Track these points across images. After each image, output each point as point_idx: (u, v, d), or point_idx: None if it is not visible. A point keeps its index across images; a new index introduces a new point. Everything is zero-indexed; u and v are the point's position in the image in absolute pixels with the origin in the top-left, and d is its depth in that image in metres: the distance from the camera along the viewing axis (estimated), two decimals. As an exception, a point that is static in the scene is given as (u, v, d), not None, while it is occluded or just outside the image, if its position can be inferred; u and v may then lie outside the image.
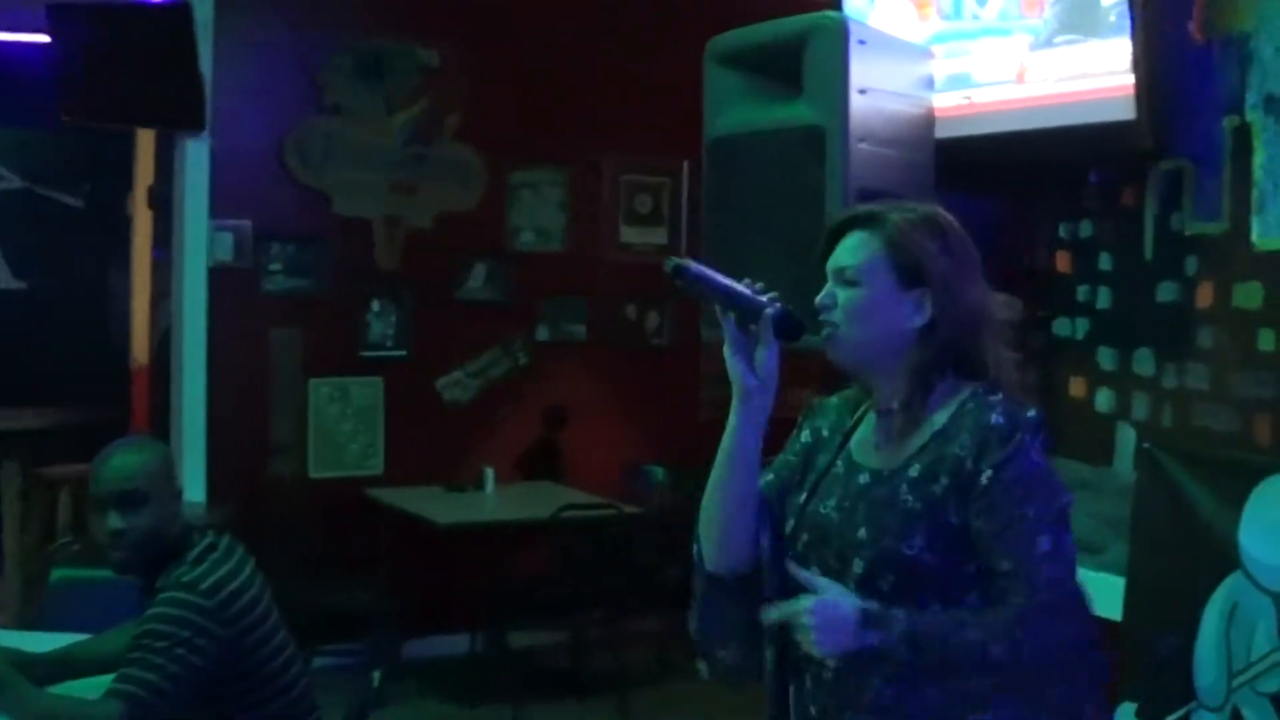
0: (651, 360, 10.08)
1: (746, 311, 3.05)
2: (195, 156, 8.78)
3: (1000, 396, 3.01)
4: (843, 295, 3.08)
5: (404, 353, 9.38)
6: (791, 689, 3.23)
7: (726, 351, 3.08)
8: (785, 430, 3.38)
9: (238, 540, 4.53)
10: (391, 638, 8.66)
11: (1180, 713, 4.44)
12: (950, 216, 3.19)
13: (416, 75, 9.25)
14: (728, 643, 3.38)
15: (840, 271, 3.10)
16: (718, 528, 3.24)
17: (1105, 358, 4.93)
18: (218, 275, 8.82)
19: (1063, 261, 5.09)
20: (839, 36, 4.70)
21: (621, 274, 9.93)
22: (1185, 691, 4.42)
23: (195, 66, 8.46)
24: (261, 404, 9.01)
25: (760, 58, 5.02)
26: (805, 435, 3.34)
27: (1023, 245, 5.21)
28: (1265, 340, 4.37)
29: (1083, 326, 5.03)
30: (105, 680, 4.21)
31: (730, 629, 3.36)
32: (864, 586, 2.96)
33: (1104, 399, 4.93)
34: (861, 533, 3.02)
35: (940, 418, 3.03)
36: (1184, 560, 4.47)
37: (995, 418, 2.95)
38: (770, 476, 3.30)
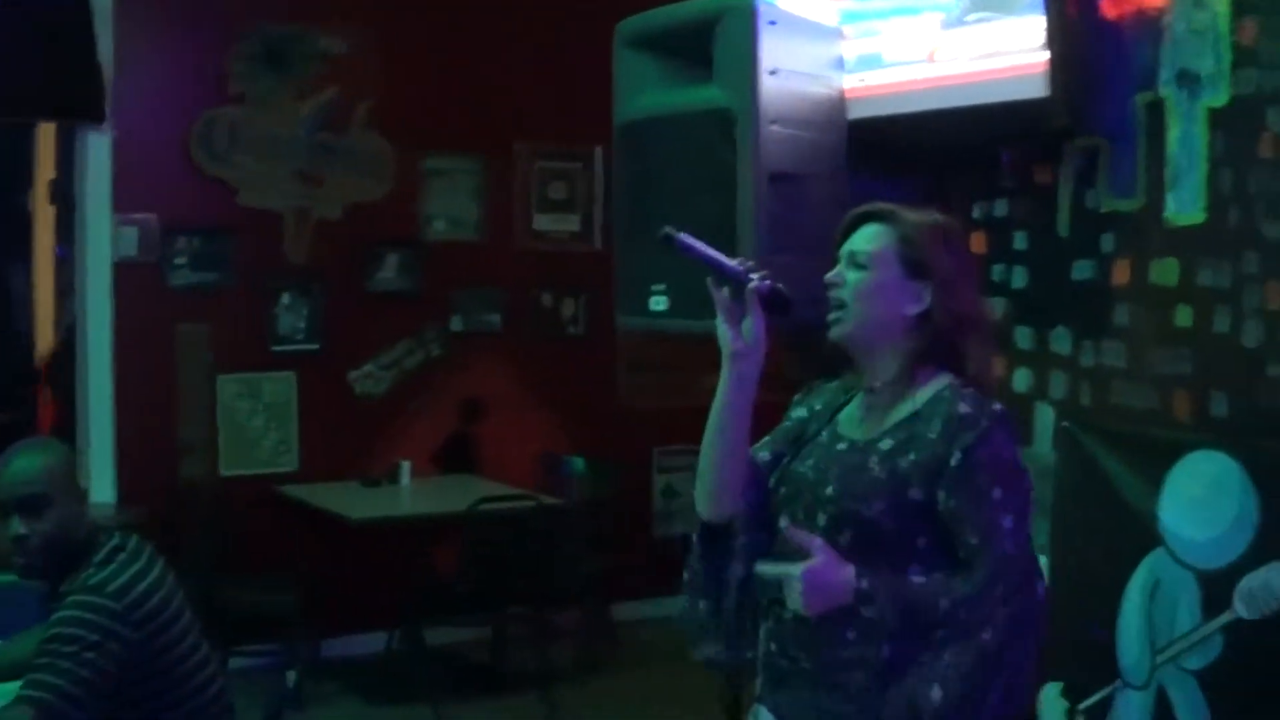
0: (568, 349, 10.05)
1: (735, 280, 3.34)
2: (96, 149, 8.72)
3: (972, 391, 3.30)
4: (852, 276, 3.38)
5: (315, 346, 9.32)
6: (762, 627, 3.45)
7: (718, 320, 3.37)
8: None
9: (146, 541, 4.50)
10: (308, 637, 8.66)
11: (1104, 692, 4.48)
12: (957, 226, 3.60)
13: (324, 62, 9.18)
14: (714, 593, 3.65)
15: (853, 255, 3.40)
16: (711, 477, 3.56)
17: (1022, 337, 4.97)
18: (122, 271, 8.75)
19: (977, 242, 5.11)
20: (749, 18, 4.68)
21: (536, 262, 9.91)
22: (1109, 670, 4.46)
23: (94, 56, 8.41)
24: (170, 401, 8.92)
25: (670, 40, 5.02)
26: (801, 411, 3.63)
27: (939, 225, 5.23)
28: (1182, 316, 4.40)
29: (999, 306, 5.05)
30: (13, 687, 4.18)
31: (718, 576, 3.64)
32: (824, 537, 3.23)
33: (1021, 378, 4.96)
34: (829, 490, 3.31)
35: (919, 400, 3.33)
36: (1106, 538, 4.52)
37: (963, 407, 3.23)
38: (766, 439, 3.61)
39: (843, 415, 3.50)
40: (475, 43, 9.49)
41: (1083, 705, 4.55)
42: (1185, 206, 4.40)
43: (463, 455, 9.64)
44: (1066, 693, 4.59)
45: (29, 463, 4.32)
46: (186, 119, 8.88)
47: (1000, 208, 5.04)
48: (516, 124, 9.71)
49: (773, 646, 3.40)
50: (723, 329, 3.38)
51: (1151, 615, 4.34)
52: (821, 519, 3.30)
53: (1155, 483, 4.34)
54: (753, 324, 3.35)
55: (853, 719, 3.23)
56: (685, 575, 3.79)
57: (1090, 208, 4.71)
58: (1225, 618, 4.11)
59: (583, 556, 9.11)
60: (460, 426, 9.69)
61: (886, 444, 3.30)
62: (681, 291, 4.79)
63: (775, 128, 4.70)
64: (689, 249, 3.39)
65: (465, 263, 9.70)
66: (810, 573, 3.17)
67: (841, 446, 3.41)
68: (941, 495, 3.19)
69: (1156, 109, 4.47)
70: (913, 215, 3.45)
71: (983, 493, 3.17)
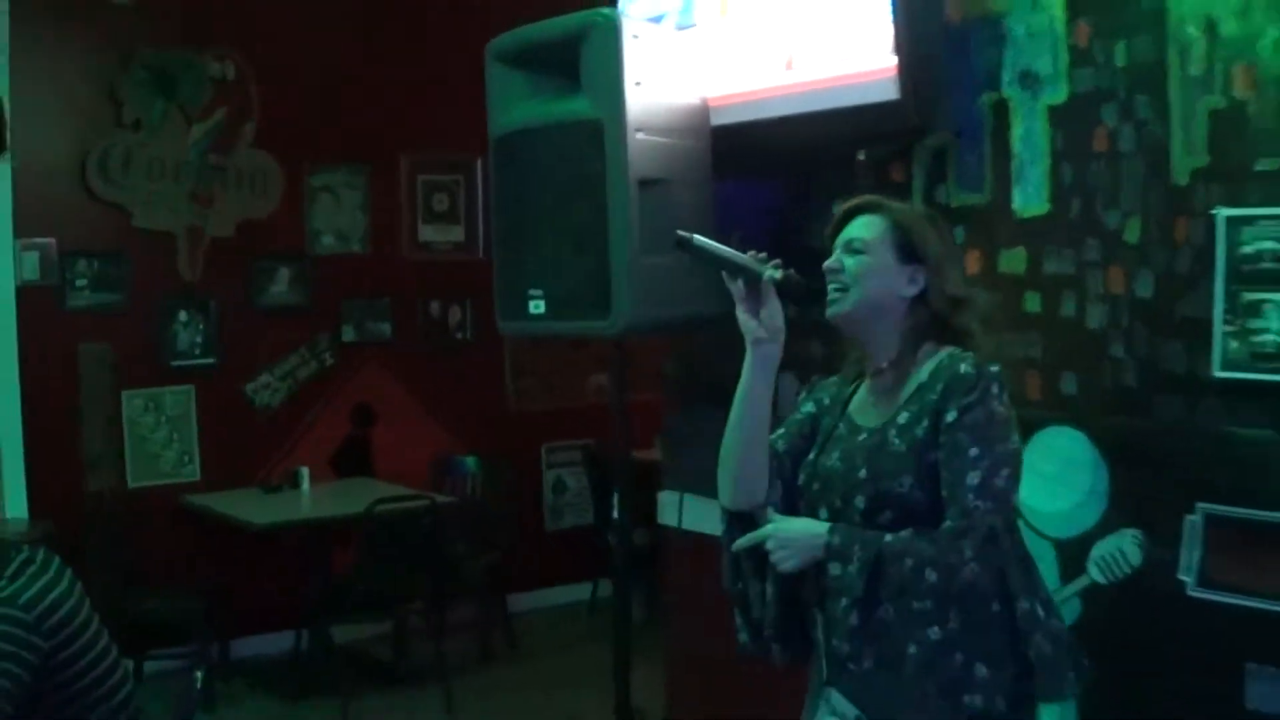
0: (455, 355, 10.06)
1: (750, 274, 3.43)
2: (-4, 178, 8.63)
3: (972, 355, 3.37)
4: (850, 261, 3.45)
5: (212, 360, 9.27)
6: (818, 622, 3.44)
7: (738, 310, 3.45)
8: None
9: (54, 553, 4.45)
10: (217, 639, 8.59)
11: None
12: (939, 216, 3.71)
13: (211, 87, 9.14)
14: (747, 578, 3.62)
15: (850, 242, 3.48)
16: (735, 464, 3.55)
17: (883, 327, 4.95)
18: (24, 294, 8.65)
19: (838, 236, 5.10)
20: (613, 32, 4.68)
21: (422, 272, 9.91)
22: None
23: (-7, 92, 8.33)
24: (75, 418, 8.84)
25: (539, 56, 5.00)
26: (809, 406, 3.68)
27: (800, 224, 5.21)
28: (1031, 303, 4.42)
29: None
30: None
31: (747, 564, 3.61)
32: (867, 520, 3.32)
33: (885, 366, 4.95)
34: (861, 473, 3.36)
35: (923, 373, 3.39)
36: (967, 514, 4.51)
37: (965, 368, 3.30)
38: (781, 430, 3.63)
39: (853, 406, 3.57)
40: (357, 63, 9.47)
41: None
42: (1030, 199, 4.41)
43: (359, 460, 9.62)
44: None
45: None
46: (83, 146, 8.82)
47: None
48: (398, 139, 9.72)
49: (834, 641, 3.37)
50: (744, 318, 3.45)
51: (1013, 584, 4.35)
52: (860, 502, 3.35)
53: (1012, 459, 4.35)
54: (771, 312, 3.43)
55: (915, 693, 3.23)
56: (725, 575, 3.73)
57: (942, 202, 4.71)
58: (1081, 582, 4.14)
59: (477, 552, 9.11)
60: (355, 432, 9.67)
61: (903, 418, 3.35)
62: (557, 296, 4.79)
63: (641, 136, 4.69)
64: (704, 251, 3.48)
65: (353, 274, 9.69)
66: (779, 534, 3.30)
67: (862, 436, 3.44)
68: (938, 452, 3.25)
69: (1001, 108, 4.48)
70: (901, 205, 3.59)
71: (961, 448, 3.22)
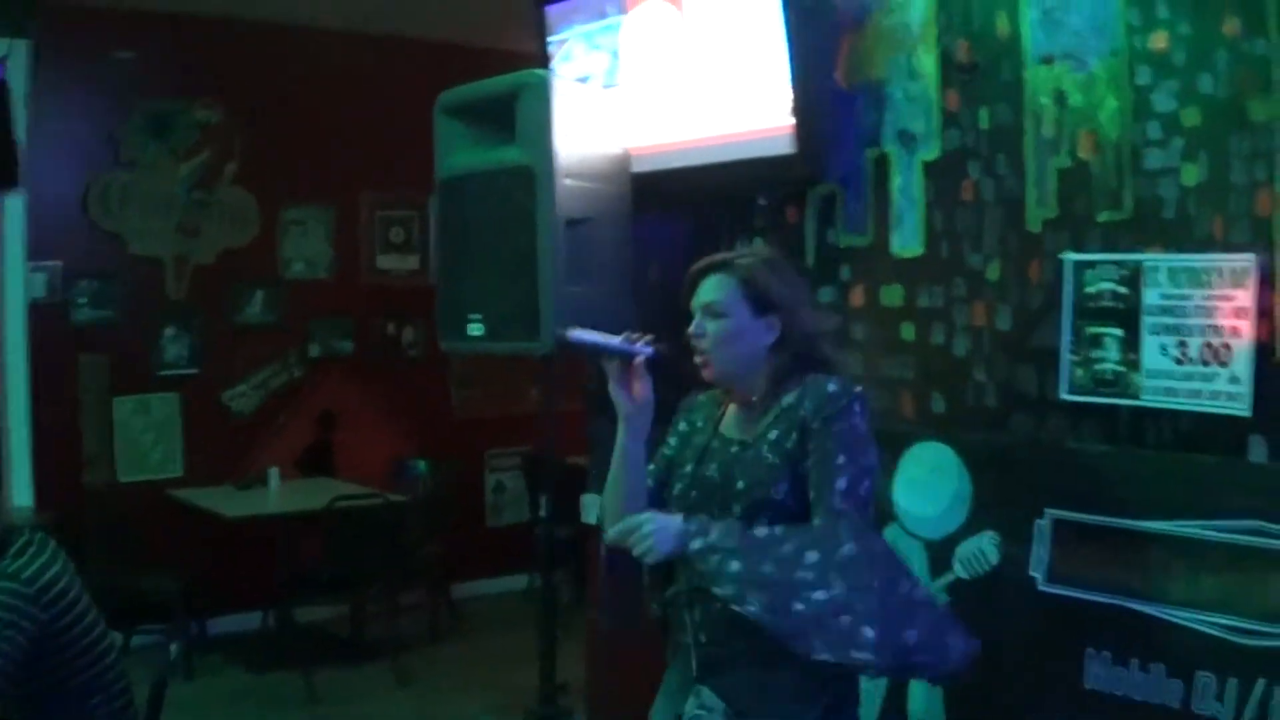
0: (409, 369, 9.99)
1: (625, 356, 3.36)
2: (12, 209, 8.53)
3: (838, 375, 3.31)
4: (711, 326, 3.35)
5: (195, 370, 9.19)
6: (684, 619, 3.37)
7: (611, 388, 3.38)
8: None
9: (50, 537, 4.43)
10: (194, 617, 8.53)
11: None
12: (781, 256, 3.57)
13: (198, 131, 9.08)
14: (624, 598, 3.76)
15: (708, 306, 3.37)
16: (615, 510, 3.41)
17: (779, 350, 4.94)
18: (34, 310, 8.57)
19: (741, 272, 5.09)
20: (544, 90, 4.67)
21: (380, 296, 9.87)
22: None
23: (10, 131, 8.23)
24: (75, 420, 8.78)
25: (480, 109, 4.98)
26: (682, 425, 3.59)
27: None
28: (906, 332, 4.42)
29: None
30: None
31: (627, 590, 3.64)
32: (744, 524, 3.20)
33: (779, 385, 4.94)
34: (739, 484, 3.28)
35: (789, 398, 3.29)
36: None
37: (831, 386, 3.24)
38: (652, 467, 3.53)
39: (724, 424, 3.46)
40: (324, 112, 9.43)
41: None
42: (907, 241, 4.41)
43: (322, 461, 9.56)
44: (821, 645, 4.57)
45: None
46: (85, 181, 8.79)
47: (758, 243, 5.02)
48: (360, 179, 9.68)
49: (702, 637, 3.33)
50: (616, 394, 3.38)
51: (888, 578, 4.35)
52: (737, 509, 3.26)
53: (889, 469, 4.34)
54: (642, 387, 3.37)
55: (792, 687, 3.20)
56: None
57: (831, 243, 4.71)
58: (947, 578, 4.13)
59: (426, 544, 9.06)
60: (319, 436, 9.61)
61: (773, 434, 3.27)
62: (493, 319, 4.77)
63: (569, 181, 4.68)
64: (583, 343, 3.45)
65: (320, 297, 9.64)
66: (655, 519, 3.13)
67: (735, 449, 3.36)
68: (807, 461, 3.19)
69: (882, 162, 4.48)
70: (746, 260, 3.44)
71: (828, 455, 3.15)
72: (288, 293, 9.54)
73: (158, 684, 4.56)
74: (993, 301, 4.14)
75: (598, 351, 3.42)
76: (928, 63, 4.30)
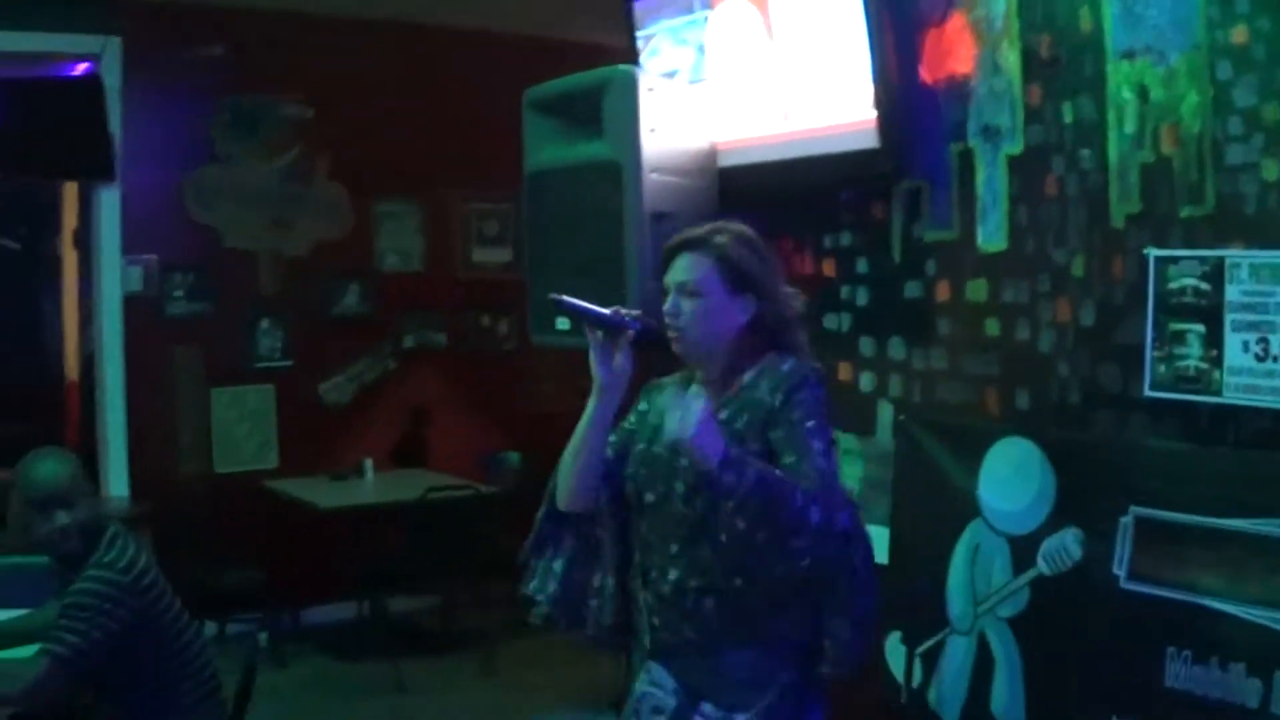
0: (502, 362, 10.02)
1: (613, 328, 3.40)
2: (108, 203, 8.70)
3: (792, 357, 3.39)
4: (687, 304, 3.39)
5: (290, 363, 9.28)
6: (639, 602, 3.49)
7: (591, 357, 3.43)
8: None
9: (133, 531, 4.57)
10: (287, 607, 8.65)
11: (937, 638, 4.50)
12: (754, 233, 3.52)
13: (291, 127, 9.18)
14: (545, 559, 3.79)
15: (683, 285, 3.41)
16: (571, 477, 3.55)
17: (866, 346, 4.97)
18: (130, 303, 8.73)
19: (828, 267, 5.12)
20: (631, 86, 4.74)
21: (474, 288, 9.91)
22: (940, 620, 4.49)
23: (106, 127, 8.41)
24: (171, 411, 8.90)
25: (567, 104, 5.06)
26: (643, 404, 3.65)
27: (795, 254, 5.24)
28: (990, 327, 4.44)
29: (847, 320, 5.07)
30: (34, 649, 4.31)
31: (554, 550, 3.77)
32: (686, 503, 3.32)
33: (866, 380, 4.97)
34: (684, 461, 3.28)
35: (747, 377, 3.38)
36: (935, 512, 4.52)
37: (787, 366, 3.34)
38: (613, 438, 3.60)
39: None
40: (417, 105, 9.50)
41: (919, 649, 4.56)
42: (991, 236, 4.43)
43: (415, 453, 9.62)
44: (905, 639, 4.60)
45: (59, 467, 4.44)
46: (180, 176, 8.89)
47: (845, 238, 5.05)
48: (452, 173, 9.70)
49: (655, 621, 3.40)
50: (595, 364, 3.43)
51: (973, 573, 4.36)
52: (680, 487, 3.33)
53: (973, 465, 4.35)
54: (622, 360, 3.41)
55: (747, 670, 3.28)
56: (525, 549, 3.89)
57: (917, 238, 4.73)
58: (1030, 574, 4.13)
59: (516, 536, 9.10)
60: (412, 428, 9.68)
61: (723, 414, 3.32)
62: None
63: (655, 176, 4.74)
64: (574, 309, 3.45)
65: (413, 290, 9.70)
66: (705, 413, 3.11)
67: None
68: (771, 433, 3.26)
69: (966, 156, 4.50)
70: (722, 238, 3.45)
71: (798, 423, 3.23)
72: (380, 285, 9.61)
73: (247, 671, 4.70)
74: (1077, 297, 4.14)
75: (586, 319, 3.44)
76: (1010, 57, 4.31)
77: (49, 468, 4.41)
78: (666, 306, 3.44)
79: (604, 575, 3.68)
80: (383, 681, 7.81)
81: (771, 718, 3.26)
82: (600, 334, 3.42)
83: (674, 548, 3.38)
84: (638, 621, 3.54)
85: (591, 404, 3.48)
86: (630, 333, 3.41)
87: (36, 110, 8.22)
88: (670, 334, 3.43)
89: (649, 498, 3.44)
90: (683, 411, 3.10)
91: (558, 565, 3.75)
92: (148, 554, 4.49)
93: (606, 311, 3.43)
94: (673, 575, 3.36)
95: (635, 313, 3.46)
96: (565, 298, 3.43)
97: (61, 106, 8.34)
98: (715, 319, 3.39)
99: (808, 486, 3.16)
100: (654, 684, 3.40)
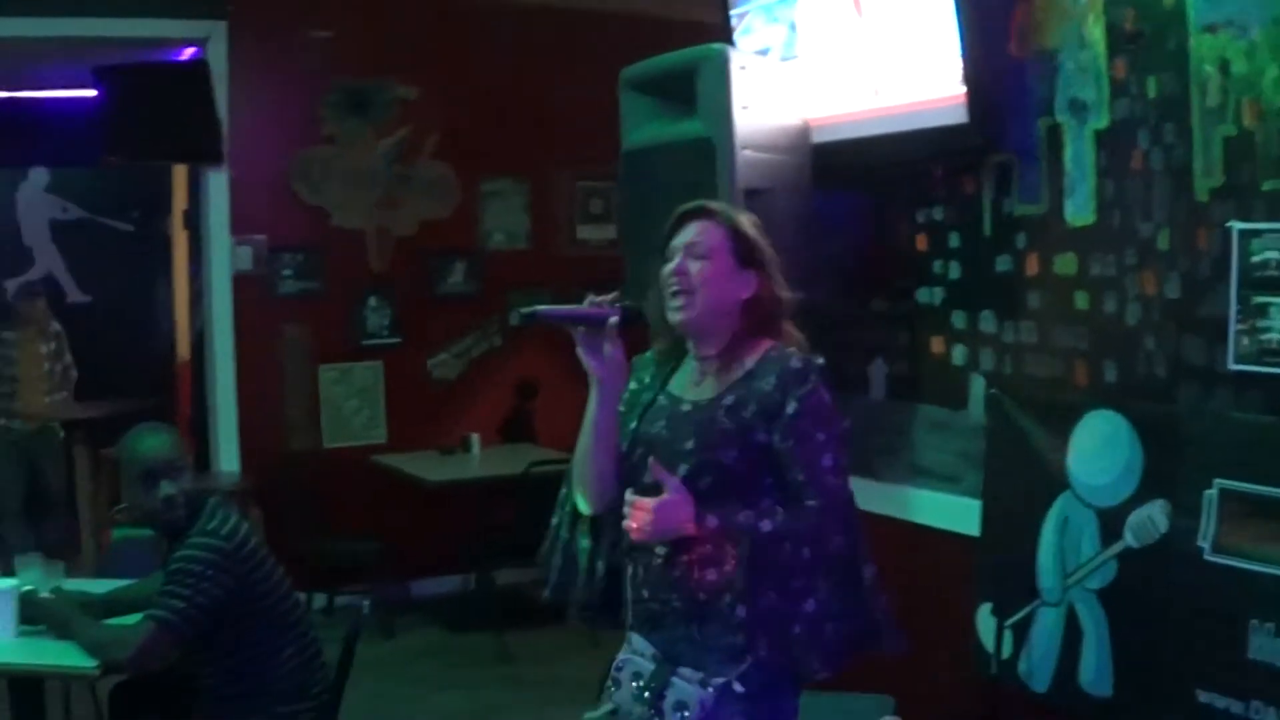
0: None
1: (595, 323, 3.32)
2: (217, 185, 8.87)
3: (794, 349, 3.30)
4: (694, 266, 3.31)
5: (397, 340, 9.40)
6: (627, 574, 3.37)
7: (580, 353, 3.35)
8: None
9: (232, 502, 4.71)
10: (396, 579, 8.78)
11: (1027, 609, 4.52)
12: (758, 221, 3.49)
13: (397, 107, 9.27)
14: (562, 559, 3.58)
15: (693, 246, 3.33)
16: (593, 478, 3.41)
17: (958, 319, 4.99)
18: (240, 282, 8.90)
19: (921, 241, 5.14)
20: (723, 64, 4.78)
21: (579, 265, 9.91)
22: (1030, 591, 4.51)
23: (214, 111, 8.56)
24: (280, 388, 9.07)
25: (662, 83, 5.10)
26: (632, 383, 3.51)
27: (888, 229, 5.28)
28: (1080, 300, 4.44)
29: (939, 294, 5.09)
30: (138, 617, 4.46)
31: (569, 550, 3.57)
32: (688, 485, 3.16)
33: (958, 353, 4.99)
34: (689, 444, 3.25)
35: (749, 363, 3.30)
36: (1025, 484, 4.55)
37: (794, 362, 3.24)
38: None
39: (673, 382, 3.44)
40: (521, 86, 9.55)
41: (1009, 621, 4.59)
42: (1080, 210, 4.44)
43: (521, 427, 9.70)
44: (995, 611, 4.63)
45: (163, 439, 4.58)
46: (288, 157, 9.02)
47: (937, 213, 5.06)
48: (557, 151, 9.75)
49: (644, 592, 3.31)
50: (586, 360, 3.35)
51: (1062, 545, 4.38)
52: (683, 469, 3.22)
53: (1063, 437, 4.38)
54: (612, 351, 3.34)
55: (725, 641, 3.16)
56: (541, 553, 3.74)
57: (1006, 212, 4.74)
58: (1118, 546, 4.16)
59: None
60: (519, 403, 9.75)
61: (729, 399, 3.25)
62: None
63: (748, 153, 4.78)
64: (548, 317, 3.34)
65: (518, 268, 9.75)
66: (661, 504, 3.09)
67: (686, 408, 3.33)
68: (776, 437, 3.18)
69: (1054, 131, 4.50)
70: (735, 211, 3.47)
71: (809, 436, 3.17)
72: (486, 263, 9.69)
73: (349, 638, 4.81)
74: (1162, 270, 4.15)
75: (565, 321, 3.36)
76: (1095, 32, 4.31)
77: (151, 441, 4.54)
78: (670, 268, 3.36)
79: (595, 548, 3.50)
80: (489, 652, 7.92)
81: (748, 684, 3.15)
82: (583, 330, 3.34)
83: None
84: (623, 593, 3.41)
85: (593, 400, 3.40)
86: (613, 321, 3.32)
87: (145, 95, 8.39)
88: (673, 302, 3.33)
89: (647, 477, 3.24)
90: (648, 514, 3.10)
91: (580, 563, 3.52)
92: (248, 524, 4.62)
93: (582, 307, 3.35)
94: (665, 549, 3.24)
95: (609, 297, 3.38)
96: (537, 309, 3.32)
97: (170, 91, 8.50)
98: (721, 286, 3.32)
99: (813, 505, 3.14)
100: (634, 652, 3.33)
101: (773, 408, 3.21)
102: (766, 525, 3.11)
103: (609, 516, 3.39)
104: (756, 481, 3.23)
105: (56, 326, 10.35)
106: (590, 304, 3.36)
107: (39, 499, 10.09)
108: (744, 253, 3.35)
